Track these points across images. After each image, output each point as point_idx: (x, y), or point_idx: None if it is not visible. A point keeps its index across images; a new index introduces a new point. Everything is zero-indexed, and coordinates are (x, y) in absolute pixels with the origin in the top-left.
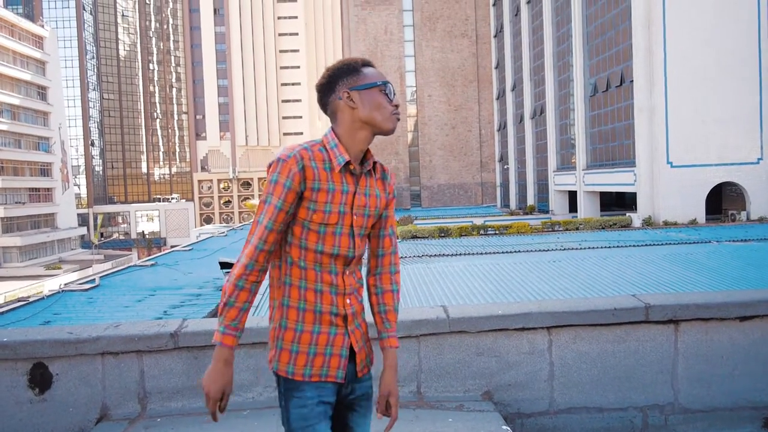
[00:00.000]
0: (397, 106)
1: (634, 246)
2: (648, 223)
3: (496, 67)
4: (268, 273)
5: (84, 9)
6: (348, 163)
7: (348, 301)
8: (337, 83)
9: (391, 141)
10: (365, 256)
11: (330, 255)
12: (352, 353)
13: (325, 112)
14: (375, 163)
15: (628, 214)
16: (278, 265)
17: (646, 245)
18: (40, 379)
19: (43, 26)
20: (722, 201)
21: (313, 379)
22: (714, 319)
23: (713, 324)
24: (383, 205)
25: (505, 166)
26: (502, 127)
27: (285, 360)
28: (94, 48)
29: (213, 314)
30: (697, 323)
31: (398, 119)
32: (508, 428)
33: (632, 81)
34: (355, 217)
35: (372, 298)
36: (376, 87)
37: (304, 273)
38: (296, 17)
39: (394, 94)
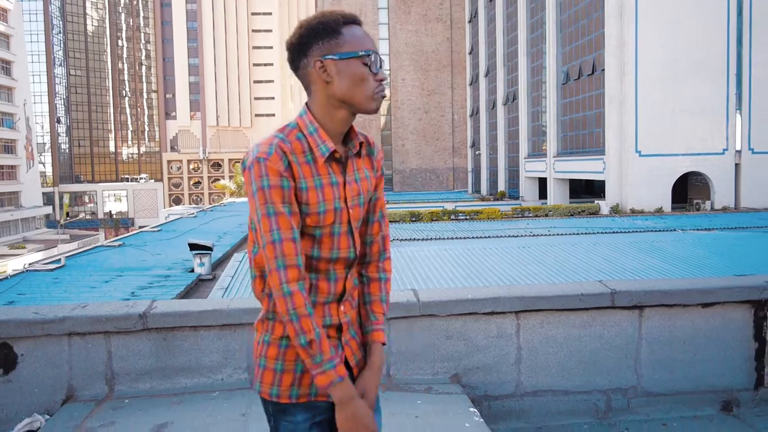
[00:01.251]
0: (382, 81)
1: (601, 233)
2: (615, 210)
3: (470, 53)
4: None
5: None
6: (333, 153)
7: (342, 308)
8: (310, 46)
9: (363, 124)
10: None
11: (328, 260)
12: (348, 368)
13: (297, 76)
14: (359, 135)
15: (596, 202)
16: (261, 274)
17: (613, 232)
18: (5, 359)
19: None
20: (688, 190)
21: (302, 399)
22: (677, 305)
23: (676, 310)
24: (373, 186)
25: (477, 152)
26: (475, 112)
27: (268, 381)
28: (61, 22)
29: (182, 295)
30: (661, 309)
31: (384, 97)
32: (476, 410)
33: (603, 70)
34: (351, 210)
35: (359, 288)
36: (357, 58)
37: None
38: None
39: (381, 64)
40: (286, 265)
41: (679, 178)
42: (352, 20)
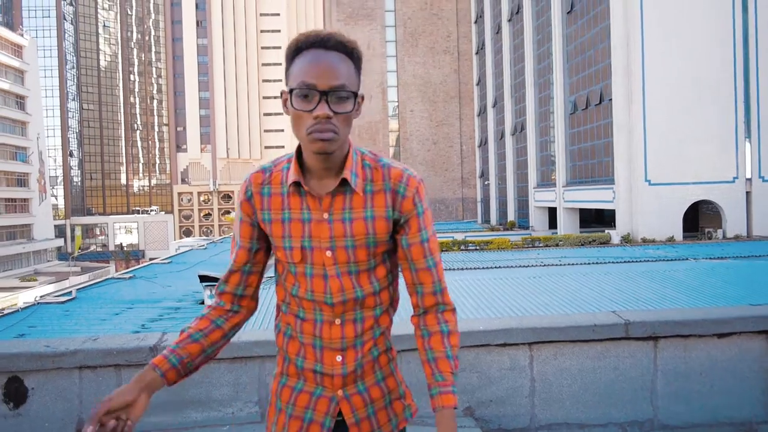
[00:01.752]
0: (323, 118)
1: (613, 263)
2: (627, 240)
3: (478, 84)
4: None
5: (65, 19)
6: (297, 184)
7: (339, 358)
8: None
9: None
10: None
11: (306, 300)
12: (344, 426)
13: None
14: (365, 170)
15: (607, 231)
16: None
17: (624, 262)
18: (15, 393)
19: (22, 35)
20: (699, 219)
21: None
22: (693, 335)
23: (692, 341)
24: (382, 230)
25: (486, 182)
26: (483, 143)
27: (270, 417)
28: (75, 58)
29: None
30: (676, 340)
31: (323, 139)
32: None
33: (611, 99)
34: (326, 253)
35: (418, 342)
36: (295, 92)
37: (287, 318)
38: (279, 31)
39: (326, 93)
40: (220, 288)
41: (690, 206)
42: (312, 44)
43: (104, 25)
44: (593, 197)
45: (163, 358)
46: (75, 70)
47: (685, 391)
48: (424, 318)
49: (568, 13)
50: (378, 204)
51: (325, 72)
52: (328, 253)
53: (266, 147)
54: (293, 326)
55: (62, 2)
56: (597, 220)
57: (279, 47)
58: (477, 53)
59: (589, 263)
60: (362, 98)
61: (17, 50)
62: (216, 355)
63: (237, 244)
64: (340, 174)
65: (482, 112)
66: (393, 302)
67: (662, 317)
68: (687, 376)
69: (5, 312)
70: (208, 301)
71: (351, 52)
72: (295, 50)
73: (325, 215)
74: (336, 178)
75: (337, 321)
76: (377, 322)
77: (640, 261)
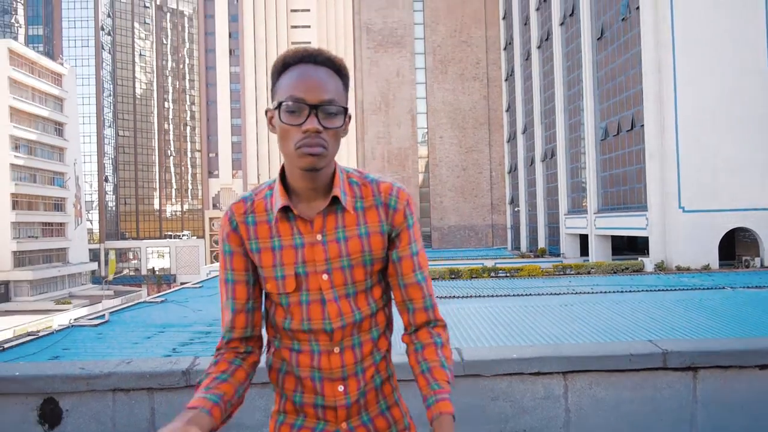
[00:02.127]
0: (313, 132)
1: (647, 291)
2: (660, 267)
3: (507, 110)
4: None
5: (103, 48)
6: (285, 209)
7: (341, 388)
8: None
9: (401, 181)
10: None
11: (302, 332)
12: None
13: None
14: (353, 187)
15: (640, 259)
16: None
17: (659, 290)
18: (50, 414)
19: (62, 64)
20: (735, 246)
21: None
22: (733, 366)
23: (732, 372)
24: (378, 245)
25: (516, 209)
26: (513, 169)
27: None
28: (111, 86)
29: None
30: (716, 371)
31: (312, 154)
32: None
33: (643, 125)
34: (323, 276)
35: (411, 358)
36: (282, 107)
37: (280, 353)
38: None
39: (315, 108)
40: (226, 337)
41: (726, 234)
42: (300, 59)
43: (140, 54)
44: (625, 224)
45: (200, 399)
46: (111, 97)
47: (726, 424)
48: (415, 334)
49: (598, 39)
50: (371, 220)
51: (314, 86)
52: (325, 277)
53: None
54: (288, 360)
55: (101, 32)
56: (629, 247)
57: None
58: (506, 80)
59: (622, 291)
60: (349, 118)
61: (57, 78)
62: (243, 399)
63: (231, 280)
64: (328, 193)
65: (512, 138)
66: (389, 324)
67: (701, 347)
68: (728, 409)
69: (40, 334)
70: None
71: (339, 69)
72: (283, 66)
73: (318, 237)
74: (324, 197)
75: (336, 349)
76: (376, 346)
77: (675, 289)
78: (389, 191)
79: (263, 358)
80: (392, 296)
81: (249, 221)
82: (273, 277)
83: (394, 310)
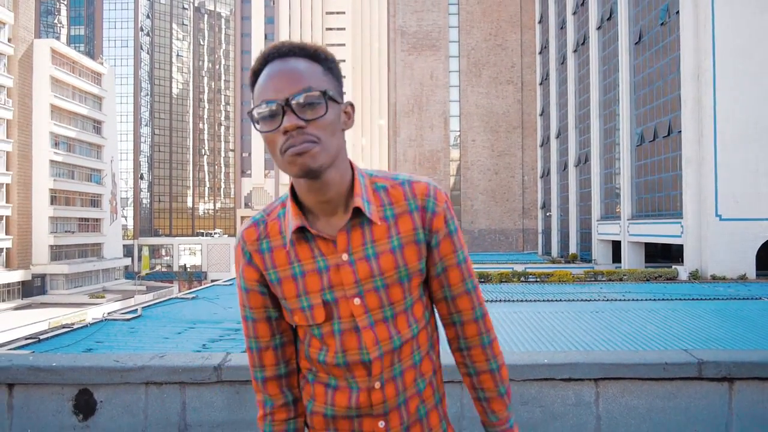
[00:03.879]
0: (293, 129)
1: (680, 299)
2: (695, 276)
3: (541, 114)
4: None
5: (141, 49)
6: (302, 229)
7: (382, 424)
8: None
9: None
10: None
11: (337, 366)
12: None
13: None
14: (379, 193)
15: (674, 267)
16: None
17: (693, 299)
18: (85, 405)
19: (102, 64)
20: None
21: None
22: None
23: None
24: (414, 257)
25: (548, 214)
26: (546, 174)
27: None
28: (149, 85)
29: None
30: (753, 383)
31: (298, 153)
32: None
33: (680, 132)
34: (354, 301)
35: (466, 380)
36: (258, 113)
37: (313, 389)
38: (344, 60)
39: (288, 103)
40: (259, 378)
41: (764, 243)
42: (265, 60)
43: (178, 55)
44: (659, 231)
45: None
46: (149, 97)
47: None
48: (469, 354)
49: (636, 43)
50: (404, 228)
51: (284, 80)
52: (357, 301)
53: None
54: (320, 398)
55: (140, 33)
56: (663, 255)
57: (344, 77)
58: (541, 84)
59: (655, 299)
60: (351, 106)
61: (96, 78)
62: None
63: (250, 317)
64: (348, 205)
65: (545, 142)
66: (433, 344)
67: (738, 357)
68: (766, 423)
69: (75, 327)
70: None
71: (314, 54)
72: (253, 75)
73: (344, 256)
74: (344, 210)
75: (377, 384)
76: (419, 373)
77: (710, 299)
78: (426, 192)
79: None
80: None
81: (263, 248)
82: (299, 309)
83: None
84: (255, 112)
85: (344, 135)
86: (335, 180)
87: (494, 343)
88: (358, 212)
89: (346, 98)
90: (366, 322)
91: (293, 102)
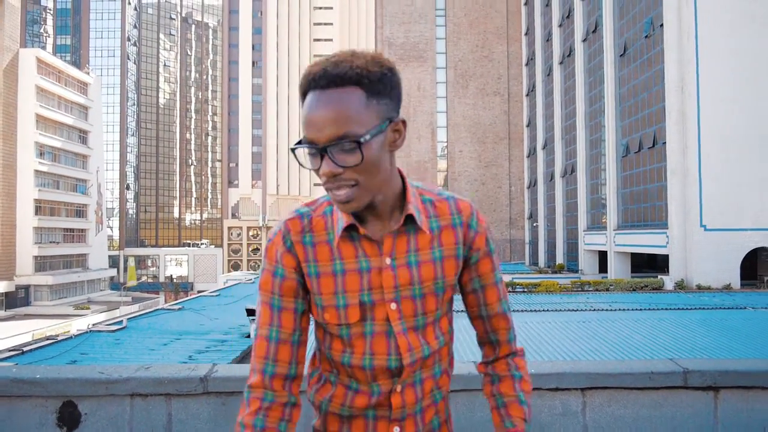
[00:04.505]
0: (330, 176)
1: (666, 309)
2: (680, 286)
3: (528, 125)
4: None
5: (128, 58)
6: (352, 228)
7: (397, 429)
8: None
9: None
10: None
11: (362, 369)
12: None
13: None
14: (426, 205)
15: (660, 277)
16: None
17: (679, 309)
18: (69, 417)
19: (88, 73)
20: (758, 266)
21: None
22: (756, 387)
23: (755, 393)
24: (452, 270)
25: (535, 224)
26: (532, 184)
27: None
28: (136, 95)
29: (239, 360)
30: (738, 391)
31: (343, 200)
32: None
33: (665, 143)
34: (391, 306)
35: (486, 389)
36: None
37: (329, 390)
38: None
39: (325, 149)
40: (267, 372)
41: (748, 253)
42: (308, 86)
43: (165, 65)
44: (645, 242)
45: None
46: (135, 107)
47: None
48: (493, 365)
49: (621, 56)
50: (447, 241)
51: (321, 123)
52: (393, 306)
53: (315, 184)
54: (339, 399)
55: (127, 43)
56: (649, 265)
57: None
58: (527, 95)
59: (641, 309)
60: (403, 123)
61: (83, 87)
62: None
63: (278, 306)
64: (397, 211)
65: (532, 153)
66: (451, 360)
67: (723, 366)
68: (750, 430)
69: (59, 338)
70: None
71: (358, 80)
72: (302, 92)
73: (387, 260)
74: (393, 216)
75: (398, 387)
76: (437, 384)
77: (695, 308)
78: (470, 212)
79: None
80: (454, 328)
81: (306, 241)
82: (333, 306)
83: (457, 344)
84: (302, 148)
85: (393, 155)
86: (381, 199)
87: (519, 359)
88: (409, 219)
89: None
90: (400, 327)
91: (330, 149)
